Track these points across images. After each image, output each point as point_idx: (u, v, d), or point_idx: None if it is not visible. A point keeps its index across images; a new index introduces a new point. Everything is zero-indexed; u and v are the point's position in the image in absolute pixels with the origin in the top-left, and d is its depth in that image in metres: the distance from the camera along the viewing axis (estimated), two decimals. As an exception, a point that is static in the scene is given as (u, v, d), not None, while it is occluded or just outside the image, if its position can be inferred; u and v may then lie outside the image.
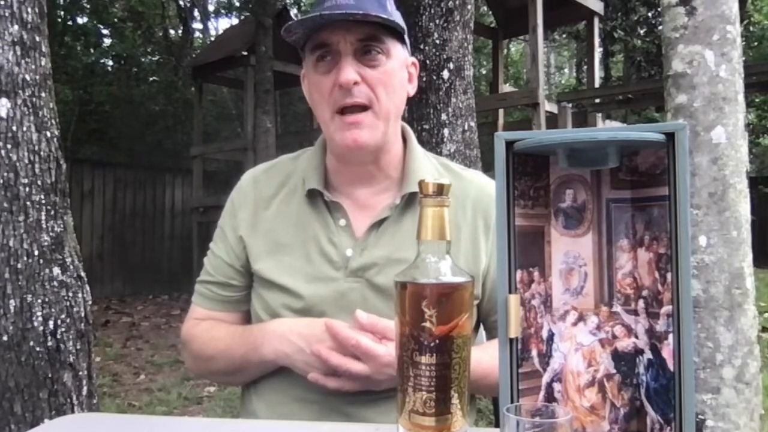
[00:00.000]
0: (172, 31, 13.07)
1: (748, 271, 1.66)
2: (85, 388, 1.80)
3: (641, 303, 0.69)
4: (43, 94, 1.78)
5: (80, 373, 1.79)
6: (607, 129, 0.66)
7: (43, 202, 1.75)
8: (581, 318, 0.71)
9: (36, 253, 1.72)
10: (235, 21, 12.78)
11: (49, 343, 1.72)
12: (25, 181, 1.71)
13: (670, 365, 0.65)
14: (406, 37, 1.07)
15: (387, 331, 0.92)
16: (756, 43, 11.87)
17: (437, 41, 3.21)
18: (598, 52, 8.47)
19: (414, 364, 0.68)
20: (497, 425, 1.10)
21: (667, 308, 0.66)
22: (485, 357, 0.95)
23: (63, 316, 1.76)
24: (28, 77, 1.74)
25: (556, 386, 0.71)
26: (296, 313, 1.03)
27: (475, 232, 1.06)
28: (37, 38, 1.78)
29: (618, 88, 8.89)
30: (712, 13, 1.68)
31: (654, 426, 0.67)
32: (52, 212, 1.77)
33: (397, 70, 1.04)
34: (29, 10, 1.75)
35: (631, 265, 0.70)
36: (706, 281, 1.65)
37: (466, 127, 3.24)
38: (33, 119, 1.74)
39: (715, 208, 1.64)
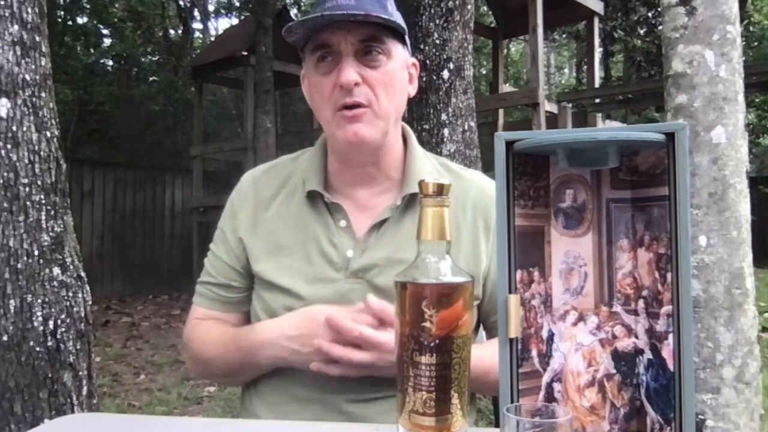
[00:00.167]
0: (172, 31, 13.07)
1: (748, 271, 1.66)
2: (85, 388, 1.80)
3: (641, 303, 0.69)
4: (43, 94, 1.78)
5: (80, 373, 1.79)
6: (607, 129, 0.66)
7: (43, 202, 1.75)
8: (581, 318, 0.71)
9: (36, 253, 1.72)
10: (235, 21, 12.78)
11: (49, 343, 1.72)
12: (25, 181, 1.71)
13: (670, 365, 0.65)
14: (406, 37, 1.07)
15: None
16: (756, 43, 11.87)
17: (437, 41, 3.21)
18: (598, 52, 8.47)
19: (414, 364, 0.68)
20: (497, 425, 1.10)
21: (667, 308, 0.66)
22: (486, 355, 0.95)
23: (63, 316, 1.76)
24: (28, 77, 1.74)
25: (556, 386, 0.71)
26: None
27: (476, 232, 1.06)
28: (37, 38, 1.78)
29: (618, 88, 8.89)
30: (712, 13, 1.68)
31: (654, 426, 0.67)
32: (52, 212, 1.77)
33: (397, 70, 1.04)
34: (29, 10, 1.75)
35: (631, 265, 0.70)
36: (706, 281, 1.65)
37: (466, 127, 3.24)
38: (33, 119, 1.74)
39: (715, 208, 1.64)
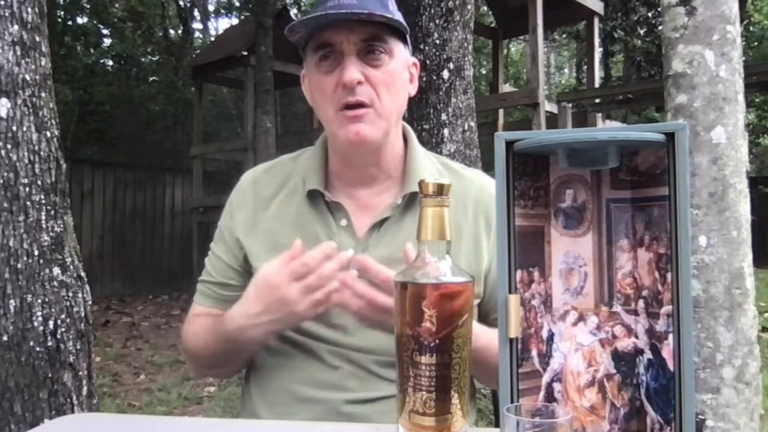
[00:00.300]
0: (172, 31, 13.07)
1: (748, 271, 1.66)
2: (85, 388, 1.80)
3: (641, 303, 0.69)
4: (43, 94, 1.78)
5: (80, 373, 1.79)
6: (607, 129, 0.66)
7: (43, 202, 1.75)
8: (581, 318, 0.71)
9: (36, 253, 1.72)
10: (235, 21, 12.78)
11: (49, 343, 1.72)
12: (25, 181, 1.71)
13: (670, 365, 0.65)
14: (408, 37, 1.07)
15: None
16: (756, 43, 11.87)
17: (437, 41, 3.21)
18: (598, 52, 8.47)
19: (414, 364, 0.68)
20: (497, 425, 1.10)
21: (667, 308, 0.66)
22: (487, 331, 0.93)
23: (63, 316, 1.76)
24: (28, 77, 1.74)
25: (556, 386, 0.71)
26: None
27: (477, 231, 1.06)
28: (37, 38, 1.78)
29: (618, 88, 8.90)
30: (712, 13, 1.68)
31: (654, 426, 0.67)
32: (52, 212, 1.77)
33: (399, 70, 1.04)
34: (29, 10, 1.75)
35: (631, 265, 0.70)
36: (706, 281, 1.65)
37: (466, 127, 3.24)
38: (33, 119, 1.74)
39: (715, 208, 1.64)
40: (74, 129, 8.92)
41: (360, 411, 0.99)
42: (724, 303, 1.64)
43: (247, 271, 1.09)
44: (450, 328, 0.67)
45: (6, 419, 1.65)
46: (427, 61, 3.19)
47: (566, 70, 18.57)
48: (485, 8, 9.57)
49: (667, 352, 0.66)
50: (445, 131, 3.18)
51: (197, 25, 13.80)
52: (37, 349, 1.70)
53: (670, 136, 0.65)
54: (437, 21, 3.21)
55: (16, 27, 1.72)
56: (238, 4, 12.57)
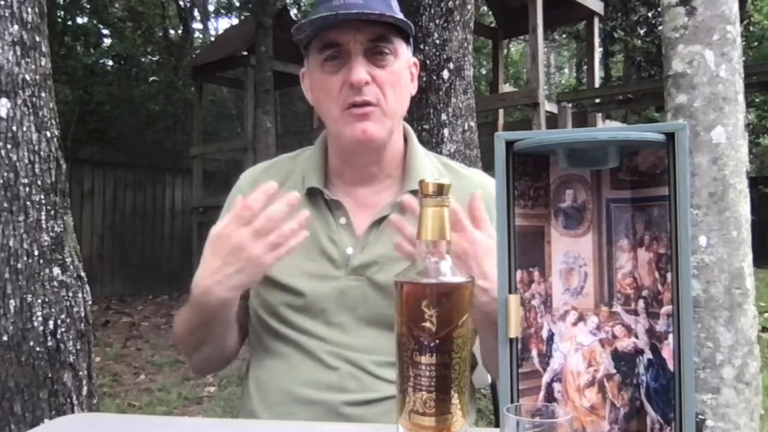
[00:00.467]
0: (172, 31, 13.07)
1: (748, 271, 1.66)
2: (85, 388, 1.80)
3: (641, 303, 0.69)
4: (43, 94, 1.78)
5: (80, 373, 1.79)
6: (607, 129, 0.66)
7: (43, 202, 1.75)
8: (581, 318, 0.71)
9: (36, 253, 1.72)
10: (235, 21, 12.79)
11: (49, 343, 1.72)
12: (25, 181, 1.71)
13: (670, 365, 0.65)
14: (410, 37, 1.07)
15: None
16: (756, 43, 11.87)
17: (437, 41, 3.21)
18: (598, 52, 8.47)
19: (414, 364, 0.68)
20: (497, 425, 1.10)
21: (667, 308, 0.66)
22: None
23: (63, 316, 1.76)
24: (28, 77, 1.74)
25: (556, 386, 0.71)
26: (296, 311, 1.03)
27: (477, 231, 1.06)
28: (37, 38, 1.78)
29: (618, 88, 8.90)
30: (712, 13, 1.68)
31: (654, 426, 0.67)
32: (52, 212, 1.77)
33: (403, 70, 1.05)
34: (29, 10, 1.75)
35: (631, 265, 0.70)
36: (706, 281, 1.65)
37: (466, 127, 3.24)
38: (33, 119, 1.74)
39: (715, 208, 1.65)
40: (74, 129, 8.92)
41: (359, 412, 0.99)
42: (724, 303, 1.64)
43: None
44: (450, 328, 0.67)
45: (6, 419, 1.65)
46: (427, 61, 3.19)
47: (566, 70, 18.57)
48: (485, 8, 9.57)
49: (667, 352, 0.66)
50: (445, 131, 3.18)
51: (197, 25, 13.81)
52: (37, 349, 1.70)
53: (670, 136, 0.65)
54: (437, 21, 3.21)
55: (16, 27, 1.72)
56: (238, 4, 12.57)
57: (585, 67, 10.14)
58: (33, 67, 1.75)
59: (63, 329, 1.75)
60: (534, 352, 0.70)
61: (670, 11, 1.73)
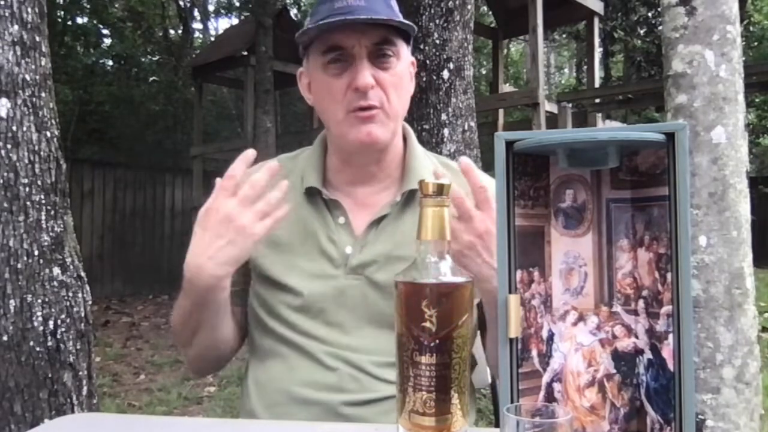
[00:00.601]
0: (172, 31, 13.08)
1: (748, 271, 1.66)
2: (85, 388, 1.80)
3: (641, 303, 0.69)
4: (43, 94, 1.78)
5: (80, 373, 1.79)
6: (607, 129, 0.66)
7: (43, 202, 1.75)
8: (581, 318, 0.71)
9: (36, 253, 1.72)
10: (235, 21, 12.79)
11: (49, 343, 1.72)
12: (25, 181, 1.71)
13: (670, 365, 0.65)
14: (411, 38, 1.08)
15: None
16: (756, 43, 11.87)
17: (437, 41, 3.21)
18: (598, 52, 8.48)
19: (414, 364, 0.68)
20: (497, 425, 1.10)
21: (667, 308, 0.66)
22: None
23: (63, 316, 1.76)
24: (28, 77, 1.74)
25: (556, 386, 0.71)
26: (295, 311, 1.03)
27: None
28: (37, 38, 1.78)
29: (618, 88, 8.90)
30: (712, 13, 1.68)
31: (654, 426, 0.67)
32: (52, 212, 1.77)
33: (405, 71, 1.06)
34: (29, 10, 1.75)
35: (631, 265, 0.70)
36: (706, 281, 1.65)
37: (466, 127, 3.24)
38: (33, 119, 1.74)
39: (715, 208, 1.65)
40: (74, 129, 8.92)
41: (358, 413, 0.99)
42: (724, 303, 1.64)
43: (244, 267, 1.09)
44: (450, 328, 0.67)
45: (6, 419, 1.65)
46: (427, 61, 3.19)
47: (566, 70, 18.58)
48: (485, 8, 9.58)
49: (667, 352, 0.66)
50: (445, 131, 3.18)
51: (197, 25, 13.81)
52: (37, 349, 1.70)
53: (670, 136, 0.65)
54: (437, 21, 3.21)
55: (16, 27, 1.72)
56: (238, 4, 12.58)
57: (585, 67, 10.14)
58: (33, 67, 1.75)
59: (63, 329, 1.75)
60: (534, 352, 0.70)
61: (670, 11, 1.73)
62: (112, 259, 8.43)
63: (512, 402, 0.67)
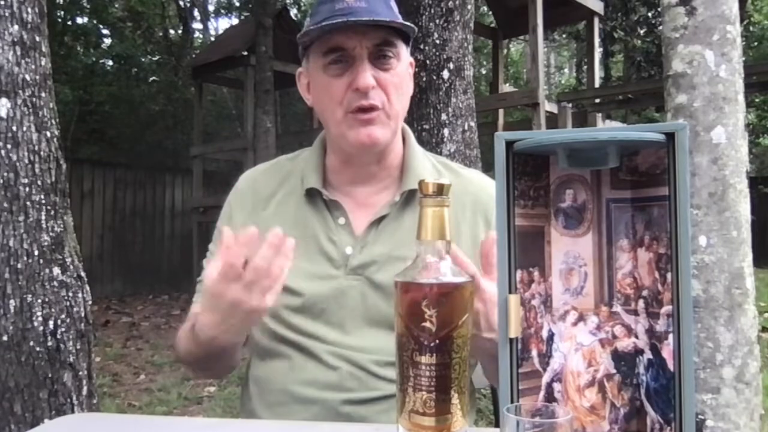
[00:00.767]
0: (172, 31, 13.08)
1: (748, 271, 1.67)
2: (85, 388, 1.80)
3: (641, 303, 0.69)
4: (43, 94, 1.78)
5: (80, 373, 1.79)
6: (607, 129, 0.66)
7: (43, 202, 1.75)
8: (581, 318, 0.71)
9: (36, 253, 1.72)
10: (235, 21, 12.79)
11: (49, 343, 1.72)
12: (25, 181, 1.71)
13: (670, 365, 0.65)
14: (411, 39, 1.08)
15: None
16: (756, 43, 11.87)
17: (437, 41, 3.21)
18: (598, 52, 8.47)
19: (414, 364, 0.68)
20: (497, 425, 1.10)
21: (667, 308, 0.66)
22: None
23: (63, 316, 1.76)
24: (28, 77, 1.74)
25: (556, 386, 0.71)
26: (296, 312, 1.03)
27: (476, 231, 1.06)
28: (37, 38, 1.78)
29: (618, 88, 8.89)
30: (712, 13, 1.68)
31: (654, 426, 0.67)
32: (52, 212, 1.77)
33: (405, 71, 1.06)
34: (29, 10, 1.75)
35: (631, 265, 0.70)
36: (706, 281, 1.65)
37: (466, 127, 3.24)
38: (33, 119, 1.74)
39: (715, 208, 1.65)
40: (74, 129, 8.92)
41: (359, 411, 0.99)
42: (724, 303, 1.64)
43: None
44: (450, 328, 0.67)
45: (6, 419, 1.65)
46: (427, 61, 3.19)
47: (566, 70, 18.57)
48: (485, 8, 9.57)
49: (667, 352, 0.66)
50: (445, 131, 3.18)
51: (197, 25, 13.81)
52: (37, 349, 1.70)
53: (670, 136, 0.64)
54: (437, 21, 3.21)
55: (16, 27, 1.72)
56: (238, 4, 12.58)
57: (585, 67, 10.14)
58: (33, 67, 1.75)
59: (63, 329, 1.75)
60: (534, 352, 0.70)
61: (670, 11, 1.73)
62: (112, 259, 8.43)
63: (512, 402, 0.67)
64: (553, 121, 6.49)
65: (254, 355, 1.10)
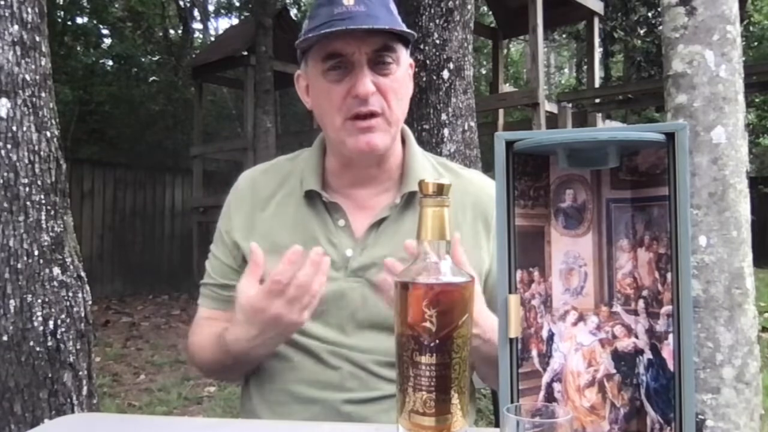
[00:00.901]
0: (172, 31, 13.07)
1: (748, 271, 1.66)
2: (85, 388, 1.80)
3: (641, 303, 0.69)
4: (43, 94, 1.78)
5: (80, 373, 1.79)
6: (607, 129, 0.66)
7: (43, 202, 1.75)
8: (581, 318, 0.71)
9: (36, 253, 1.72)
10: (235, 21, 12.79)
11: (49, 343, 1.72)
12: (25, 181, 1.71)
13: (670, 365, 0.65)
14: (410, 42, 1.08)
15: None
16: (756, 43, 11.86)
17: (437, 41, 3.21)
18: (598, 52, 8.47)
19: (414, 364, 0.68)
20: (497, 425, 1.10)
21: (667, 308, 0.66)
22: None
23: (63, 316, 1.76)
24: (28, 77, 1.74)
25: (556, 386, 0.71)
26: None
27: (475, 231, 1.06)
28: (37, 38, 1.78)
29: (618, 88, 8.89)
30: (712, 13, 1.68)
31: (654, 426, 0.67)
32: (52, 212, 1.77)
33: (404, 76, 1.05)
34: (29, 10, 1.75)
35: (631, 265, 0.70)
36: (706, 281, 1.65)
37: (466, 127, 3.24)
38: (33, 119, 1.74)
39: (715, 208, 1.65)
40: (74, 129, 8.92)
41: (360, 411, 0.99)
42: (724, 303, 1.64)
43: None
44: (450, 328, 0.67)
45: (6, 419, 1.65)
46: (427, 61, 3.19)
47: (566, 70, 18.57)
48: (485, 8, 9.57)
49: (667, 352, 0.66)
50: (445, 131, 3.18)
51: (197, 25, 13.81)
52: (37, 349, 1.70)
53: (670, 136, 0.64)
54: (437, 21, 3.21)
55: (16, 27, 1.72)
56: (238, 4, 12.58)
57: (585, 67, 10.14)
58: (33, 67, 1.75)
59: (63, 329, 1.75)
60: (534, 352, 0.70)
61: (670, 11, 1.73)
62: (112, 259, 8.43)
63: (512, 402, 0.67)
64: (553, 121, 6.49)
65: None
